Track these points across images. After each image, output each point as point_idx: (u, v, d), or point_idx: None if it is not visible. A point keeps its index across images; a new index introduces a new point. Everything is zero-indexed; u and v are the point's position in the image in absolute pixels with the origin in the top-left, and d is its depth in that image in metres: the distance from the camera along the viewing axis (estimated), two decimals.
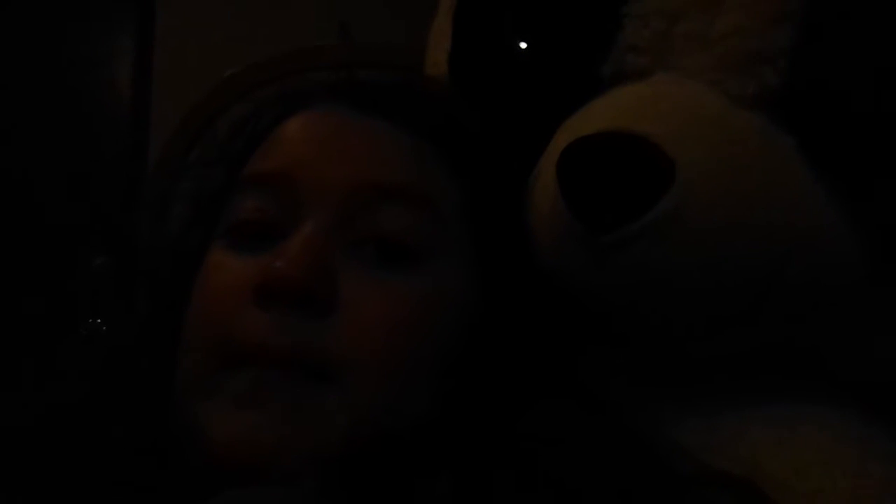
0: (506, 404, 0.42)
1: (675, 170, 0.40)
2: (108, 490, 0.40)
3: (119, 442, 0.42)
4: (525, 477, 0.39)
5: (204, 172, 0.51)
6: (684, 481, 0.40)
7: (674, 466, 0.41)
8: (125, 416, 0.43)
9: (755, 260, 0.42)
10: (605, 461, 0.41)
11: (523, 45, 0.50)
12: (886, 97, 0.42)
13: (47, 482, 0.41)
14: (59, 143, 2.26)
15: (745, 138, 0.42)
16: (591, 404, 0.44)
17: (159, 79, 2.35)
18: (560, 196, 0.42)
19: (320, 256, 0.40)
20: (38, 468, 0.42)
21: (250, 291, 0.40)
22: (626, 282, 0.43)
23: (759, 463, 0.44)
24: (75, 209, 2.18)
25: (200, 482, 0.38)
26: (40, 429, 0.44)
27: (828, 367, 0.47)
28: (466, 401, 0.41)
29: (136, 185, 2.10)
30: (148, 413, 0.43)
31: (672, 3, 0.44)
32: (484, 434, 0.41)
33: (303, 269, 0.39)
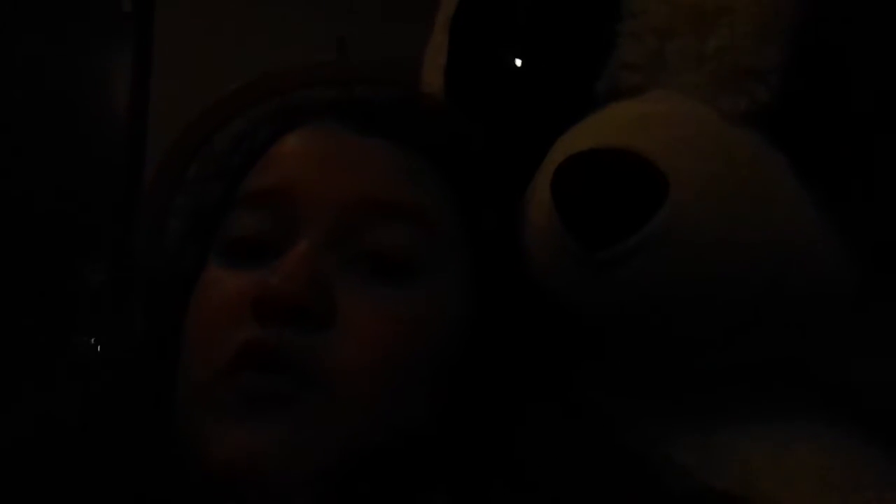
0: (501, 418, 0.42)
1: (669, 186, 0.41)
2: None
3: (118, 457, 0.42)
4: (520, 492, 0.39)
5: (201, 188, 0.51)
6: (678, 498, 0.40)
7: (667, 483, 0.41)
8: (124, 432, 0.43)
9: (749, 275, 0.42)
10: (599, 477, 0.41)
11: (518, 62, 0.50)
12: (877, 113, 0.43)
13: (47, 498, 0.41)
14: (56, 160, 2.26)
15: (738, 154, 0.43)
16: (585, 419, 0.44)
17: (157, 95, 2.36)
18: (555, 212, 0.42)
19: (316, 272, 0.40)
20: (37, 484, 0.42)
21: (247, 307, 0.40)
22: (620, 298, 0.43)
23: (751, 479, 0.44)
24: (71, 225, 2.18)
25: (200, 496, 0.38)
26: (40, 444, 0.44)
27: (822, 383, 0.47)
28: (462, 415, 0.42)
29: (133, 202, 2.10)
30: (147, 428, 0.43)
31: (665, 22, 0.45)
32: (480, 448, 0.41)
33: (299, 285, 0.39)
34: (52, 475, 0.43)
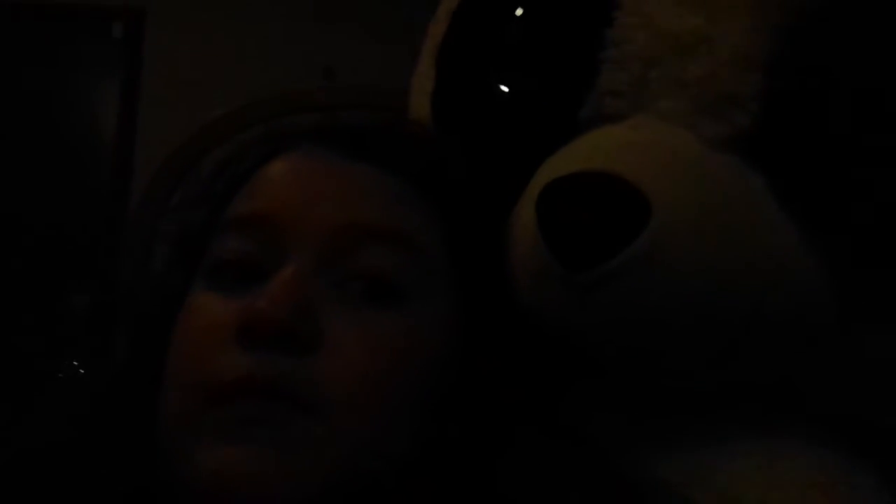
0: (489, 443, 0.42)
1: (652, 209, 0.41)
2: None
3: (104, 483, 0.42)
4: None
5: (186, 213, 0.51)
6: None
7: (656, 502, 0.41)
8: (110, 457, 0.43)
9: (731, 298, 0.43)
10: (585, 498, 0.41)
11: (504, 89, 0.51)
12: (855, 139, 0.43)
13: None
14: (43, 184, 2.26)
15: (719, 179, 0.43)
16: (572, 441, 0.44)
17: (144, 121, 2.37)
18: (539, 235, 0.43)
19: (302, 296, 0.40)
20: None
21: (232, 332, 0.40)
22: (604, 320, 0.43)
23: (737, 497, 0.44)
24: (58, 249, 2.17)
25: None
26: (24, 470, 0.43)
27: (807, 403, 0.48)
28: (449, 440, 0.41)
29: (119, 227, 2.10)
30: (133, 453, 0.42)
31: (648, 49, 0.46)
32: (468, 473, 0.41)
33: (285, 309, 0.39)
34: (36, 498, 0.42)
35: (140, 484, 0.42)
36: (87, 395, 0.51)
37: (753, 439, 0.47)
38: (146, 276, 0.59)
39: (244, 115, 1.05)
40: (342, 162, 0.45)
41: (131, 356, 0.49)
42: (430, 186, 0.46)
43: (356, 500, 0.39)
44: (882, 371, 0.49)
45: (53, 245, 2.16)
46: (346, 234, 0.42)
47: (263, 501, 0.38)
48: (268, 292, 0.40)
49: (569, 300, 0.43)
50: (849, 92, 0.44)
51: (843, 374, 0.48)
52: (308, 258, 0.42)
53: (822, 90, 0.44)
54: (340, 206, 0.43)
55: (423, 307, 0.43)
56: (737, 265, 0.42)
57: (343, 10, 2.44)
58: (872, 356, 0.48)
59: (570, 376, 0.48)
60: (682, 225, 0.42)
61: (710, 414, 0.48)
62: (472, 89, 0.54)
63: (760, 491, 0.44)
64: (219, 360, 0.40)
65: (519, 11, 0.52)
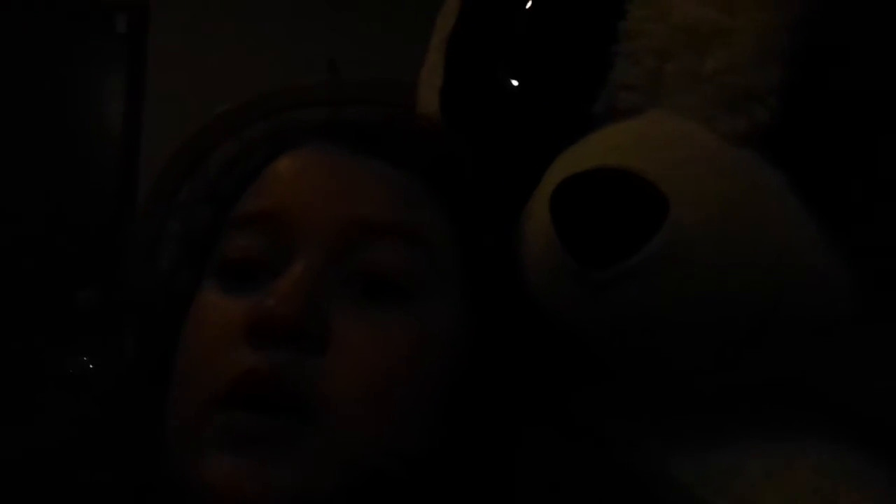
0: (500, 441, 0.41)
1: (669, 206, 0.40)
2: None
3: (108, 484, 0.42)
4: None
5: (194, 212, 0.50)
6: None
7: (670, 502, 0.41)
8: (114, 458, 0.42)
9: (749, 295, 0.42)
10: (599, 499, 0.40)
11: (515, 83, 0.50)
12: (875, 133, 0.43)
13: None
14: (49, 181, 2.26)
15: (737, 175, 0.42)
16: (585, 440, 0.44)
17: (149, 115, 2.36)
18: (554, 232, 0.42)
19: (311, 294, 0.40)
20: None
21: (241, 331, 0.39)
22: (620, 318, 0.43)
23: (753, 499, 0.43)
24: (64, 246, 2.17)
25: None
26: (28, 470, 0.43)
27: (825, 402, 0.47)
28: (461, 438, 0.41)
29: (125, 223, 2.10)
30: (137, 455, 0.42)
31: (663, 42, 0.45)
32: (479, 471, 0.41)
33: (294, 308, 0.39)
34: (43, 497, 0.42)
35: (147, 484, 0.41)
36: (94, 394, 0.51)
37: (769, 440, 0.46)
38: (153, 273, 0.58)
39: (250, 109, 1.04)
40: (351, 158, 0.44)
41: (139, 355, 0.49)
42: (439, 182, 0.45)
43: (367, 501, 0.38)
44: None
45: (58, 241, 2.16)
46: (354, 231, 0.42)
47: None
48: (277, 290, 0.39)
49: (584, 298, 0.42)
50: (869, 85, 0.43)
51: (861, 371, 0.47)
52: (317, 255, 0.41)
53: (843, 83, 0.43)
54: (349, 202, 0.42)
55: (433, 304, 0.42)
56: (755, 262, 0.42)
57: (346, 4, 2.43)
58: (890, 353, 0.47)
59: (583, 374, 0.48)
60: (700, 222, 0.41)
61: (726, 413, 0.47)
62: (481, 83, 0.53)
63: (779, 496, 0.43)
64: (227, 358, 0.39)
65: (529, 3, 0.51)
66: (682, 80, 0.44)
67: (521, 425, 0.42)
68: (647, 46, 0.45)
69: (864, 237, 0.43)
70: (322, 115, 0.51)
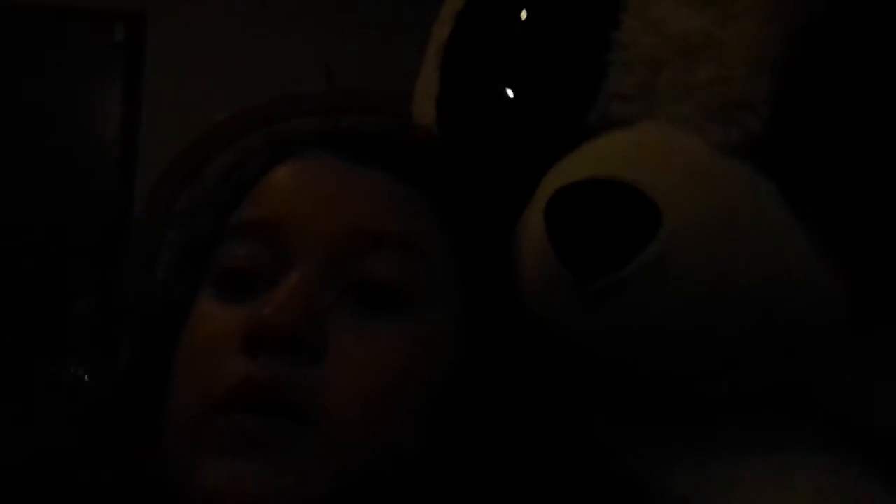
0: (495, 448, 0.42)
1: (662, 216, 0.41)
2: None
3: (106, 489, 0.42)
4: None
5: (191, 221, 0.51)
6: None
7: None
8: (112, 464, 0.43)
9: (742, 304, 0.42)
10: (596, 501, 0.41)
11: (510, 93, 0.50)
12: (866, 143, 0.43)
13: None
14: (46, 189, 2.26)
15: (730, 184, 0.43)
16: (580, 447, 0.44)
17: (146, 123, 2.37)
18: (548, 242, 0.42)
19: (308, 303, 0.40)
20: None
21: (237, 340, 0.39)
22: (614, 328, 0.43)
23: None
24: (59, 253, 2.17)
25: None
26: (27, 475, 0.43)
27: (823, 411, 0.47)
28: (456, 446, 0.41)
29: (122, 232, 2.10)
30: (135, 460, 0.42)
31: (656, 52, 0.45)
32: (475, 479, 0.41)
33: (291, 316, 0.39)
34: (42, 501, 0.42)
35: (145, 489, 0.41)
36: (91, 400, 0.51)
37: (766, 449, 0.46)
38: (151, 282, 0.59)
39: (247, 118, 1.04)
40: (348, 167, 0.45)
41: (136, 363, 0.49)
42: (436, 192, 0.46)
43: None
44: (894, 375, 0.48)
45: (56, 249, 2.16)
46: (352, 240, 0.42)
47: None
48: (274, 299, 0.40)
49: (578, 308, 0.43)
50: (861, 95, 0.43)
51: (856, 378, 0.47)
52: (314, 264, 0.41)
53: (834, 93, 0.43)
54: (346, 211, 0.43)
55: (430, 314, 0.42)
56: (748, 271, 0.42)
57: (343, 12, 2.44)
58: (885, 361, 0.47)
59: (576, 383, 0.48)
60: (693, 232, 0.41)
61: (722, 421, 0.47)
62: (477, 93, 0.53)
63: None
64: (224, 367, 0.39)
65: (524, 14, 0.52)
66: (675, 89, 0.45)
67: (516, 430, 0.42)
68: (640, 56, 0.45)
69: (857, 245, 0.44)
70: (320, 125, 0.51)
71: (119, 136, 2.34)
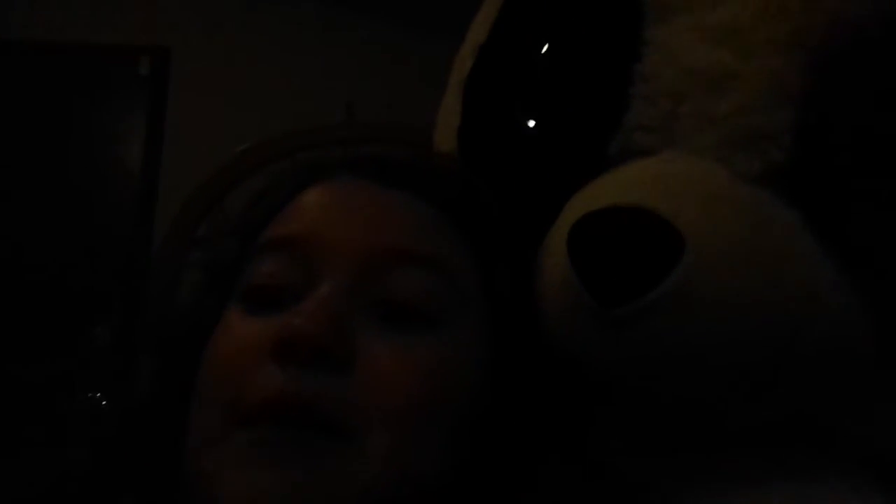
0: (518, 472, 0.41)
1: (685, 244, 0.41)
2: None
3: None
4: None
5: (218, 243, 0.51)
6: None
7: None
8: (137, 480, 0.43)
9: (766, 333, 0.42)
10: None
11: (532, 124, 0.51)
12: (889, 171, 0.43)
13: None
14: (69, 220, 2.28)
15: (753, 214, 0.43)
16: (602, 478, 0.44)
17: (168, 155, 2.39)
18: (571, 269, 0.43)
19: (338, 315, 0.40)
20: None
21: (266, 350, 0.40)
22: (636, 355, 0.43)
23: None
24: (81, 282, 2.19)
25: None
26: (52, 494, 0.43)
27: (845, 443, 0.47)
28: (479, 467, 0.41)
29: (142, 260, 2.11)
30: (160, 475, 0.42)
31: (677, 85, 0.46)
32: (495, 498, 0.41)
33: (321, 326, 0.39)
34: None
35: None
36: (113, 420, 0.51)
37: (789, 481, 0.46)
38: (174, 303, 0.59)
39: (268, 149, 1.06)
40: (377, 190, 0.46)
41: (159, 383, 0.49)
42: (460, 215, 0.46)
43: None
44: None
45: (77, 277, 2.18)
46: (379, 258, 0.43)
47: None
48: (304, 309, 0.40)
49: (601, 335, 0.43)
50: (883, 124, 0.43)
51: (879, 409, 0.47)
52: (343, 279, 0.42)
53: (856, 123, 0.44)
54: (375, 230, 0.43)
55: (455, 333, 0.43)
56: (772, 300, 0.42)
57: (364, 47, 2.47)
58: None
59: (598, 410, 0.48)
60: (716, 260, 0.41)
61: (742, 452, 0.47)
62: (499, 124, 0.54)
63: None
64: (251, 377, 0.40)
65: (545, 48, 0.53)
66: (697, 121, 0.45)
67: (538, 458, 0.42)
68: (661, 89, 0.46)
69: (879, 279, 0.44)
70: (347, 151, 0.52)
71: (142, 168, 2.37)
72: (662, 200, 0.42)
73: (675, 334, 0.42)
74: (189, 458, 0.41)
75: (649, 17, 0.47)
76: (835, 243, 0.43)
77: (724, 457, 0.47)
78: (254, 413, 0.39)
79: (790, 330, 0.42)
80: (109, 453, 0.47)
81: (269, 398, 0.39)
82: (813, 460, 0.46)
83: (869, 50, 0.44)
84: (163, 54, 2.44)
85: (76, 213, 2.32)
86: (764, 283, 0.42)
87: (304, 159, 0.51)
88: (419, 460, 0.40)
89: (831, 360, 0.43)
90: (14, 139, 2.35)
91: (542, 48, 0.53)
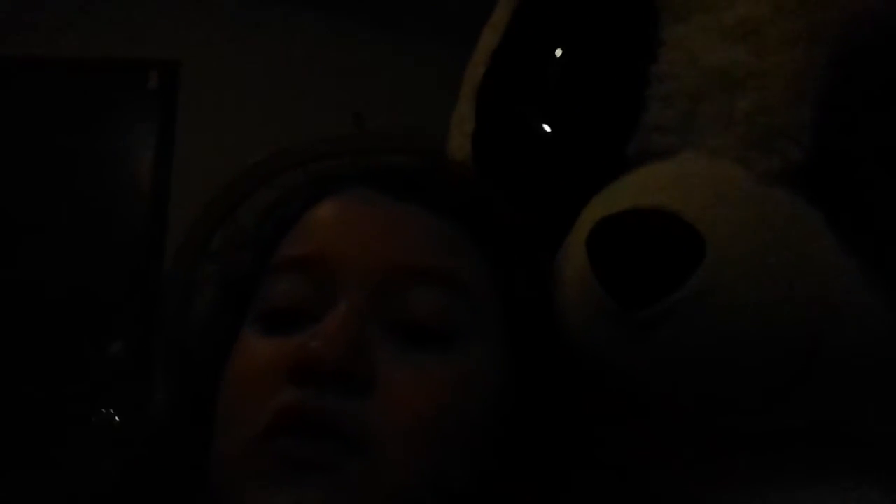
0: (543, 482, 0.41)
1: (706, 245, 0.40)
2: None
3: None
4: None
5: (232, 257, 0.51)
6: None
7: None
8: (160, 499, 0.42)
9: (790, 334, 0.42)
10: None
11: (547, 128, 0.51)
12: None
13: None
14: (79, 236, 2.29)
15: (773, 213, 0.43)
16: (627, 484, 0.43)
17: (178, 169, 2.40)
18: (591, 273, 0.42)
19: (357, 336, 0.40)
20: None
21: (285, 371, 0.39)
22: (660, 358, 0.42)
23: None
24: (92, 298, 2.19)
25: None
26: None
27: (874, 448, 0.46)
28: (504, 480, 0.41)
29: (153, 276, 2.12)
30: (182, 496, 0.42)
31: (694, 85, 0.45)
32: None
33: (340, 349, 0.39)
34: None
35: None
36: (133, 441, 0.51)
37: (816, 487, 0.45)
38: (189, 320, 0.59)
39: (279, 161, 1.06)
40: (390, 203, 0.45)
41: (178, 401, 0.49)
42: (476, 227, 0.46)
43: None
44: None
45: (89, 294, 2.19)
46: (395, 276, 0.42)
47: None
48: (322, 332, 0.40)
49: (623, 339, 0.42)
50: None
51: None
52: (359, 299, 0.41)
53: (875, 120, 0.43)
54: (390, 247, 0.43)
55: (474, 349, 0.42)
56: (794, 301, 0.41)
57: (373, 58, 2.48)
58: None
59: (620, 417, 0.47)
60: (737, 261, 0.41)
61: (766, 457, 0.46)
62: (514, 129, 0.54)
63: None
64: (270, 400, 0.39)
65: (559, 52, 0.52)
66: (715, 121, 0.45)
67: (561, 465, 0.42)
68: (679, 89, 0.46)
69: None
70: (359, 162, 0.52)
71: (152, 182, 2.38)
72: (682, 202, 0.42)
73: (698, 335, 0.41)
74: (210, 478, 0.41)
75: (665, 17, 0.47)
76: (856, 242, 0.42)
77: (748, 462, 0.46)
78: (272, 426, 0.38)
79: (814, 330, 0.42)
80: (130, 474, 0.46)
81: (288, 408, 0.38)
82: (842, 465, 0.46)
83: (888, 44, 0.43)
84: (172, 68, 2.46)
85: (87, 227, 2.33)
86: (786, 284, 0.41)
87: (315, 171, 0.50)
88: (442, 471, 0.40)
89: (856, 361, 0.43)
90: (24, 154, 2.36)
91: (556, 51, 0.52)
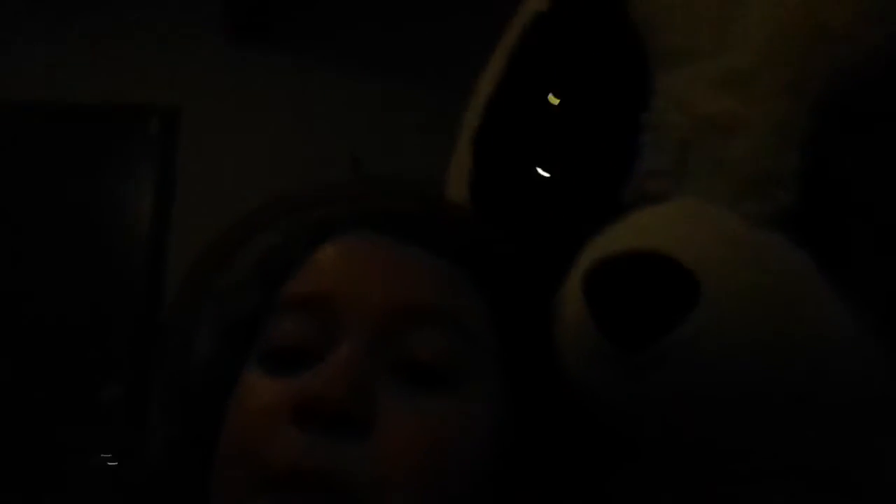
0: None
1: (701, 287, 0.41)
2: None
3: None
4: None
5: (233, 298, 0.52)
6: None
7: None
8: None
9: (784, 377, 0.42)
10: None
11: (544, 174, 0.52)
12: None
13: None
14: (77, 276, 2.30)
15: (766, 257, 0.43)
16: None
17: (177, 214, 2.42)
18: (588, 314, 0.43)
19: (358, 378, 0.40)
20: None
21: (288, 413, 0.40)
22: (655, 400, 0.43)
23: None
24: (90, 343, 2.19)
25: None
26: None
27: (863, 489, 0.46)
28: None
29: (152, 320, 2.12)
30: None
31: (685, 132, 0.47)
32: None
33: (341, 391, 0.40)
34: None
35: None
36: (132, 483, 0.51)
37: None
38: (190, 362, 0.59)
39: (280, 206, 1.06)
40: (392, 245, 0.46)
41: (179, 442, 0.49)
42: (476, 268, 0.47)
43: None
44: None
45: (87, 339, 2.18)
46: (398, 316, 0.43)
47: None
48: (324, 373, 0.40)
49: (619, 380, 0.43)
50: (888, 165, 0.44)
51: None
52: (362, 340, 0.42)
53: (860, 165, 0.44)
54: (393, 288, 0.44)
55: (475, 389, 0.43)
56: (789, 344, 0.42)
57: (370, 103, 2.51)
58: None
59: (619, 455, 0.47)
60: (732, 304, 0.42)
61: (760, 498, 0.47)
62: (511, 175, 0.55)
63: None
64: (271, 440, 0.40)
65: (554, 100, 0.54)
66: (707, 167, 0.46)
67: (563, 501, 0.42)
68: (670, 136, 0.47)
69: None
70: (362, 206, 0.53)
71: (151, 226, 2.39)
72: (677, 245, 0.42)
73: (693, 378, 0.42)
74: None
75: (655, 68, 0.48)
76: (847, 286, 0.43)
77: (749, 500, 0.46)
78: (276, 478, 0.39)
79: (809, 374, 0.42)
80: None
81: (290, 465, 0.39)
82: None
83: (870, 93, 0.45)
84: (172, 113, 2.49)
85: (86, 270, 2.33)
86: (780, 327, 0.42)
87: (317, 216, 0.51)
88: None
89: (852, 406, 0.43)
90: (24, 198, 2.38)
91: (551, 100, 0.54)
